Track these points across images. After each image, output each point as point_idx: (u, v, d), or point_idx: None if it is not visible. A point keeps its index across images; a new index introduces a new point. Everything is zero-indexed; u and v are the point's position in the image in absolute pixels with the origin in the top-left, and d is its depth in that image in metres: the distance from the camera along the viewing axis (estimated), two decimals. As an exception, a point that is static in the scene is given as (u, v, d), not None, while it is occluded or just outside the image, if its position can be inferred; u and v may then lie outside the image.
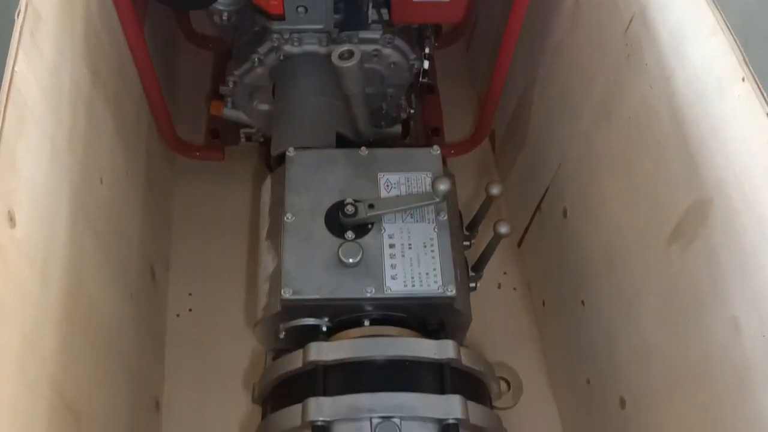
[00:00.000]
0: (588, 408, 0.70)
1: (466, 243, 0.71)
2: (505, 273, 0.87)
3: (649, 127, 0.56)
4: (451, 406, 0.54)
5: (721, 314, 0.46)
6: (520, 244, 0.88)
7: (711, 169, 0.47)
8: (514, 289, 0.87)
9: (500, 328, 0.83)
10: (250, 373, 0.78)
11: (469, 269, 0.68)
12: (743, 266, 0.44)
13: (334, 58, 0.64)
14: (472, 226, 0.71)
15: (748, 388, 0.44)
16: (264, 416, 0.61)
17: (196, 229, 0.89)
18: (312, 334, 0.61)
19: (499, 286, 0.87)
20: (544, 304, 0.81)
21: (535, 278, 0.84)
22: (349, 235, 0.62)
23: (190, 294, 0.85)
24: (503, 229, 0.62)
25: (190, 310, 0.84)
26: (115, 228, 0.64)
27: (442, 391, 0.55)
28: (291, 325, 0.63)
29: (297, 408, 0.55)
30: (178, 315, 0.83)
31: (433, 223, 0.63)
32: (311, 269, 0.61)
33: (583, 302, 0.69)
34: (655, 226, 0.55)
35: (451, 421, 0.54)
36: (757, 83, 0.42)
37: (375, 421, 0.53)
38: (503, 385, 0.76)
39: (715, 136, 0.47)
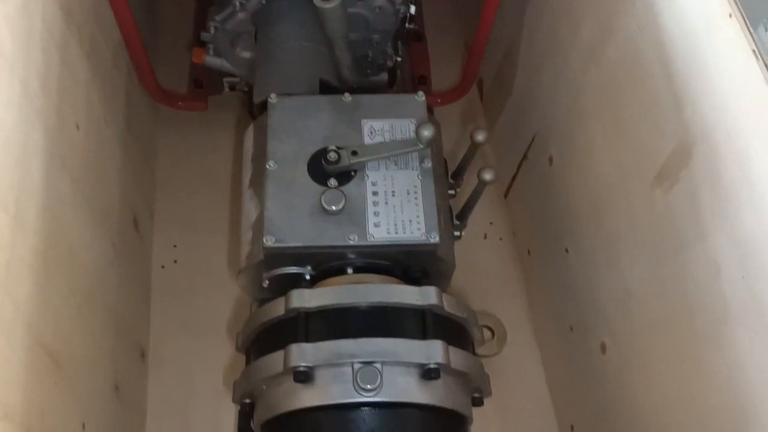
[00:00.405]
0: (570, 355, 0.71)
1: (451, 192, 0.70)
2: (491, 223, 0.87)
3: (636, 70, 0.55)
4: (432, 351, 0.54)
5: (702, 256, 0.46)
6: (506, 194, 0.88)
7: (696, 112, 0.47)
8: (500, 239, 0.86)
9: (486, 277, 0.83)
10: (234, 322, 0.79)
11: (453, 217, 0.68)
12: (724, 207, 0.43)
13: (317, 0, 0.63)
14: (457, 175, 0.70)
15: (727, 328, 0.44)
16: (247, 364, 0.62)
17: (180, 180, 0.88)
18: (295, 282, 0.61)
19: (485, 237, 0.86)
20: (529, 252, 0.81)
21: (520, 228, 0.84)
22: (332, 182, 0.61)
23: (174, 245, 0.84)
24: (488, 175, 0.61)
25: (175, 261, 0.83)
26: (94, 175, 0.63)
27: (423, 337, 0.55)
28: (274, 273, 0.63)
29: (279, 354, 0.55)
30: (163, 266, 0.83)
31: (417, 170, 0.62)
32: (294, 217, 0.60)
33: (567, 250, 0.69)
34: (640, 171, 0.54)
35: (432, 366, 0.54)
36: (744, 19, 0.41)
37: (356, 366, 0.53)
38: (487, 333, 0.77)
39: (700, 76, 0.46)
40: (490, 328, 0.77)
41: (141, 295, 0.77)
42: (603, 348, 0.63)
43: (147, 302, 0.79)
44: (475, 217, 0.72)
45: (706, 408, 0.48)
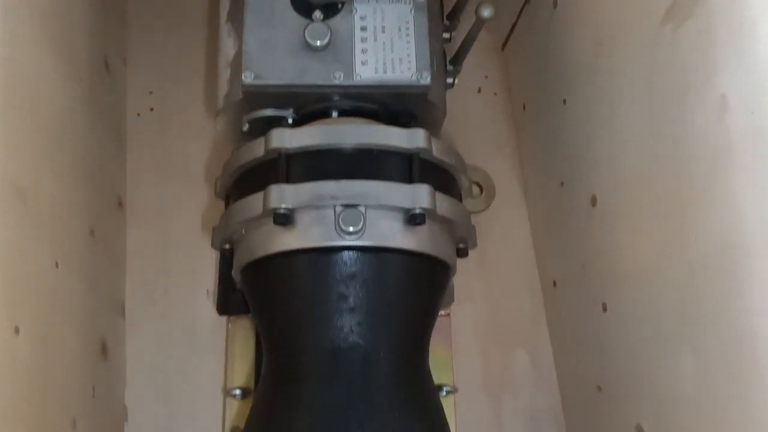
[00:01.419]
0: (558, 211, 0.70)
1: (446, 35, 0.66)
2: (486, 77, 0.83)
3: None
4: (418, 195, 0.52)
5: (710, 94, 0.43)
6: (504, 46, 0.83)
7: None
8: (495, 94, 0.83)
9: (477, 133, 0.80)
10: (212, 169, 0.76)
11: (447, 61, 0.64)
12: (739, 41, 0.40)
13: None
14: (453, 15, 0.65)
15: (728, 169, 0.42)
16: (227, 208, 0.59)
17: (154, 23, 0.82)
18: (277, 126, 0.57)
19: (479, 90, 0.83)
20: (524, 107, 0.78)
21: (517, 81, 0.80)
22: (317, 15, 0.56)
23: (150, 92, 0.80)
24: (486, 12, 0.56)
25: (151, 109, 0.79)
26: (58, 14, 0.57)
27: (410, 181, 0.53)
28: (254, 116, 0.59)
29: (258, 196, 0.53)
30: (138, 114, 0.79)
31: (409, 4, 0.57)
32: (275, 52, 0.56)
33: (564, 101, 0.65)
34: (649, 8, 0.50)
35: (417, 211, 0.52)
36: None
37: (338, 209, 0.51)
38: (475, 189, 0.75)
39: None
40: (478, 184, 0.75)
41: (116, 142, 0.74)
42: (593, 201, 0.61)
43: (122, 150, 0.76)
44: (470, 70, 0.68)
45: (694, 255, 0.47)
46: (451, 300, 0.67)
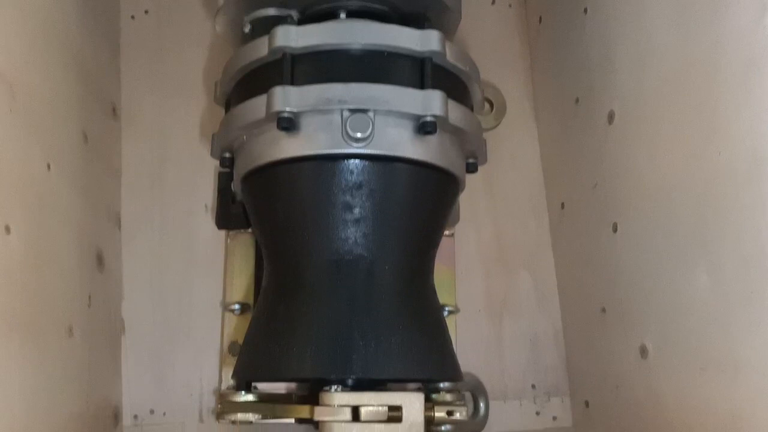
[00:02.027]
0: (571, 129, 0.67)
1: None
2: (500, -12, 0.79)
3: None
4: (430, 101, 0.49)
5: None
6: (519, -45, 0.79)
7: None
8: (509, 6, 0.79)
9: (489, 47, 0.76)
10: (212, 74, 0.72)
11: (461, -38, 0.60)
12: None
13: None
14: None
15: (763, 75, 0.39)
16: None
17: None
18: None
19: (492, 2, 0.78)
20: (540, 20, 0.74)
21: (531, -9, 0.76)
22: None
23: (144, -6, 0.76)
24: None
25: (146, 11, 0.75)
26: None
27: (422, 86, 0.50)
28: (256, 16, 0.56)
29: (261, 99, 0.50)
30: (132, 17, 0.75)
31: None
32: (278, -55, 0.52)
33: (586, 10, 0.62)
34: None
35: (428, 119, 0.49)
36: None
37: (346, 113, 0.49)
38: (486, 106, 0.72)
39: None
40: (488, 101, 0.72)
41: (109, 45, 0.70)
42: (610, 118, 0.58)
43: (116, 55, 0.72)
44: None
45: (718, 169, 0.45)
46: (456, 219, 0.66)
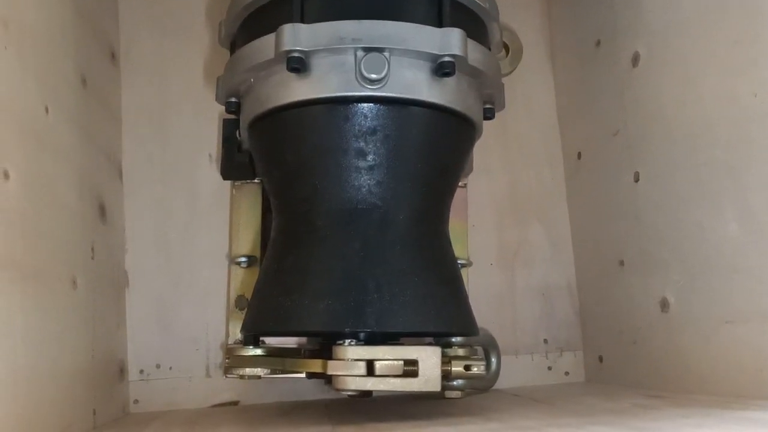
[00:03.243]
0: (591, 74, 0.64)
1: None
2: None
3: None
4: (449, 40, 0.47)
5: None
6: None
7: None
8: (524, -56, 0.75)
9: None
10: (215, 15, 0.69)
11: None
12: None
13: None
14: None
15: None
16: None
17: None
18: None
19: (506, -60, 0.75)
20: (557, -42, 0.71)
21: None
22: None
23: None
24: None
25: (144, -51, 0.71)
26: None
27: (439, 24, 0.47)
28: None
29: (269, 39, 0.48)
30: (129, -44, 0.71)
31: None
32: None
33: (608, -55, 0.59)
34: None
35: (447, 59, 0.47)
36: None
37: (360, 53, 0.46)
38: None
39: None
40: (504, 44, 0.69)
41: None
42: (635, 60, 0.56)
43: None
44: None
45: (752, 108, 0.42)
46: (470, 169, 0.64)
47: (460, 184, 0.64)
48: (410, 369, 0.45)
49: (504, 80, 0.70)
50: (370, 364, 0.45)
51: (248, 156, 0.59)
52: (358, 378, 0.45)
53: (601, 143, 0.63)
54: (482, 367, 0.49)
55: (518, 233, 0.72)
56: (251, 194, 0.64)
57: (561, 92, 0.72)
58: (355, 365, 0.45)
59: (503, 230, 0.72)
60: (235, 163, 0.61)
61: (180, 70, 0.69)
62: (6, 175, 0.41)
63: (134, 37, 0.69)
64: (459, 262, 0.63)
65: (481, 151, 0.67)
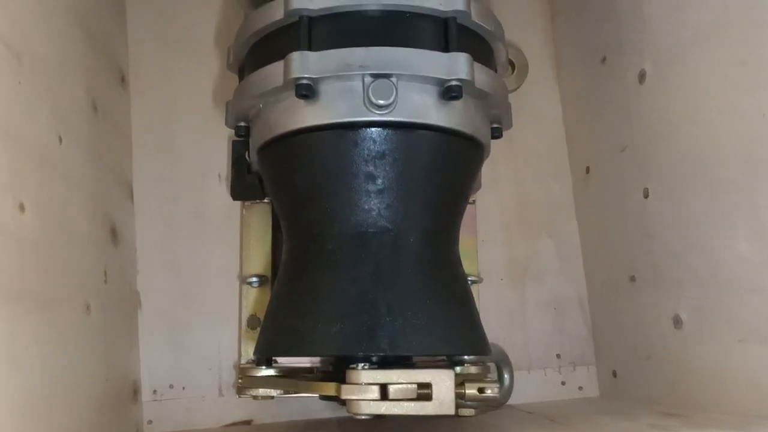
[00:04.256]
0: (597, 90, 0.65)
1: None
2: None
3: None
4: (455, 64, 0.47)
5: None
6: None
7: None
8: (528, -40, 0.75)
9: (508, 4, 0.73)
10: (224, 37, 0.70)
11: None
12: None
13: None
14: None
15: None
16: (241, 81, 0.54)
17: None
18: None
19: (510, -44, 0.75)
20: (561, -26, 0.71)
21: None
22: None
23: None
24: None
25: (151, -28, 0.72)
26: None
27: (446, 49, 0.48)
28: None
29: (277, 66, 0.48)
30: (137, -22, 0.72)
31: None
32: None
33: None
34: None
35: (454, 83, 0.47)
36: None
37: (368, 79, 0.46)
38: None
39: None
40: (510, 61, 0.69)
41: (115, 8, 0.67)
42: (641, 77, 0.56)
43: (122, 16, 0.70)
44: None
45: (761, 126, 0.42)
46: (479, 186, 0.64)
47: (468, 201, 0.64)
48: (424, 392, 0.46)
49: (510, 96, 0.71)
50: (383, 388, 0.46)
51: (258, 177, 0.59)
52: (372, 402, 0.45)
53: (609, 158, 0.63)
54: (496, 389, 0.49)
55: (528, 248, 0.72)
56: (261, 214, 0.65)
57: (568, 107, 0.72)
58: (369, 389, 0.45)
59: (512, 245, 0.72)
60: (245, 184, 0.62)
61: (189, 90, 0.69)
62: (22, 208, 0.41)
63: (143, 59, 0.70)
64: (469, 278, 0.63)
65: (489, 167, 0.67)
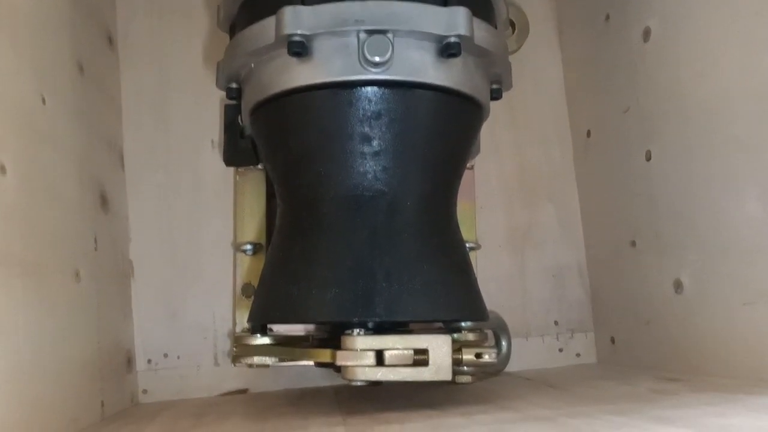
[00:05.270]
0: (600, 50, 0.63)
1: None
2: None
3: None
4: (454, 19, 0.45)
5: None
6: None
7: None
8: None
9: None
10: (213, -1, 0.68)
11: None
12: None
13: None
14: None
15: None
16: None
17: None
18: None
19: None
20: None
21: None
22: None
23: None
24: None
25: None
26: None
27: (444, 3, 0.46)
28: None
29: (269, 22, 0.46)
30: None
31: None
32: None
33: None
34: None
35: (452, 40, 0.45)
36: None
37: (363, 35, 0.45)
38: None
39: None
40: (510, 21, 0.67)
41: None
42: (646, 35, 0.54)
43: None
44: None
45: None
46: (477, 151, 0.62)
47: (467, 166, 0.62)
48: (420, 358, 0.45)
49: (511, 58, 0.69)
50: (379, 354, 0.45)
51: (251, 142, 0.57)
52: (367, 368, 0.44)
53: (611, 121, 0.61)
54: (493, 355, 0.48)
55: (527, 214, 0.70)
56: (255, 181, 0.63)
57: (569, 69, 0.70)
58: (365, 355, 0.44)
59: (512, 211, 0.70)
60: (237, 150, 0.60)
61: (180, 53, 0.67)
62: (3, 170, 0.40)
63: (132, 20, 0.67)
64: (467, 245, 0.62)
65: (489, 132, 0.66)
